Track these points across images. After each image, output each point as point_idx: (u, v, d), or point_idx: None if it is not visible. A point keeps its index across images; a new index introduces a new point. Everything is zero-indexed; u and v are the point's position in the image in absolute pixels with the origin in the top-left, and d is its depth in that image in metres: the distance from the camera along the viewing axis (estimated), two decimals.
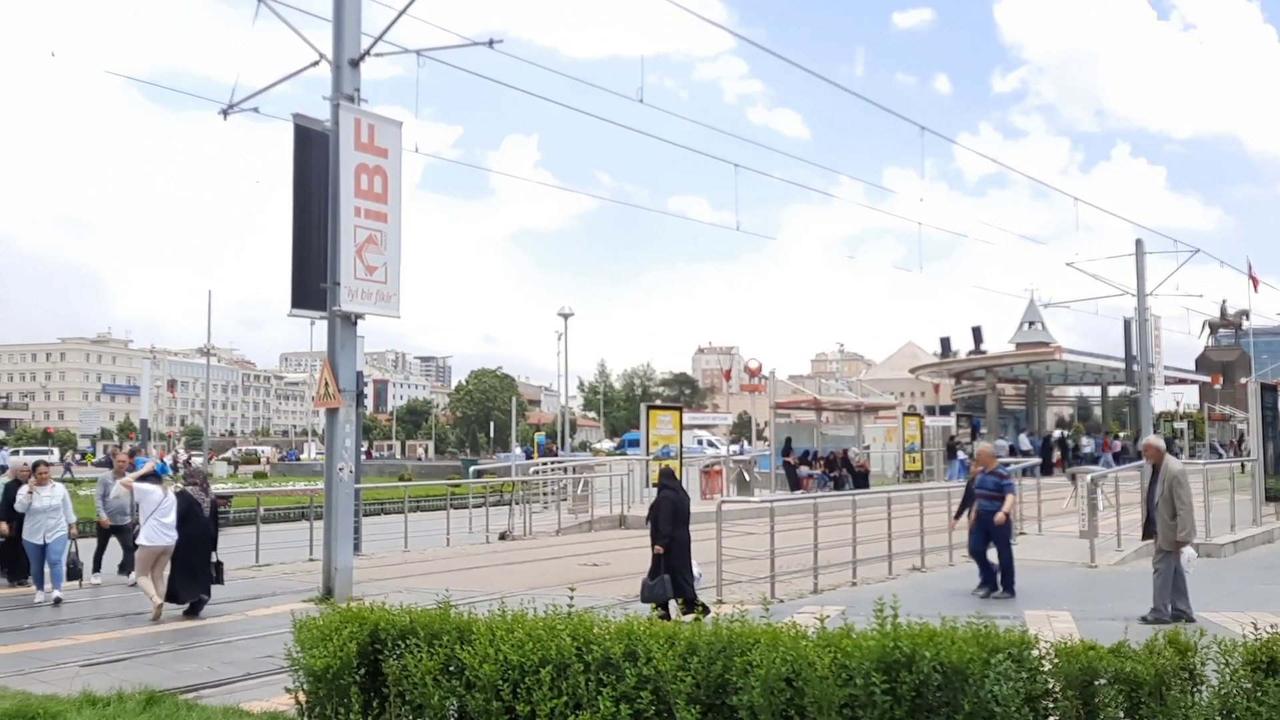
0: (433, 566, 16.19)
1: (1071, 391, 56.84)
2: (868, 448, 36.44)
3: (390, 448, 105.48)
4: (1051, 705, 4.42)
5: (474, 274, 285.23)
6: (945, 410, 44.94)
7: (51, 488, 13.05)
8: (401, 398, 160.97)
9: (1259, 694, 4.13)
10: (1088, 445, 40.08)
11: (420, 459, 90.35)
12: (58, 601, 12.47)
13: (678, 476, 13.08)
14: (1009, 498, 12.63)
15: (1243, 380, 64.91)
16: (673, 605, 10.25)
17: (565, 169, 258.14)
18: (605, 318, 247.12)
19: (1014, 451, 34.77)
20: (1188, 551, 10.76)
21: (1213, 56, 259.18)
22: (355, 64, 12.91)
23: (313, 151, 12.71)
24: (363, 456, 32.68)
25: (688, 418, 31.36)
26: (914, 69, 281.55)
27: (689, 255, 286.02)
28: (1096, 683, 4.35)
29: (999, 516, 12.35)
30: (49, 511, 12.73)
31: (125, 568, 14.16)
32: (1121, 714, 4.28)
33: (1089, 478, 15.95)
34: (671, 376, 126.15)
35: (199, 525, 12.05)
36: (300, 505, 25.60)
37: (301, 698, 5.76)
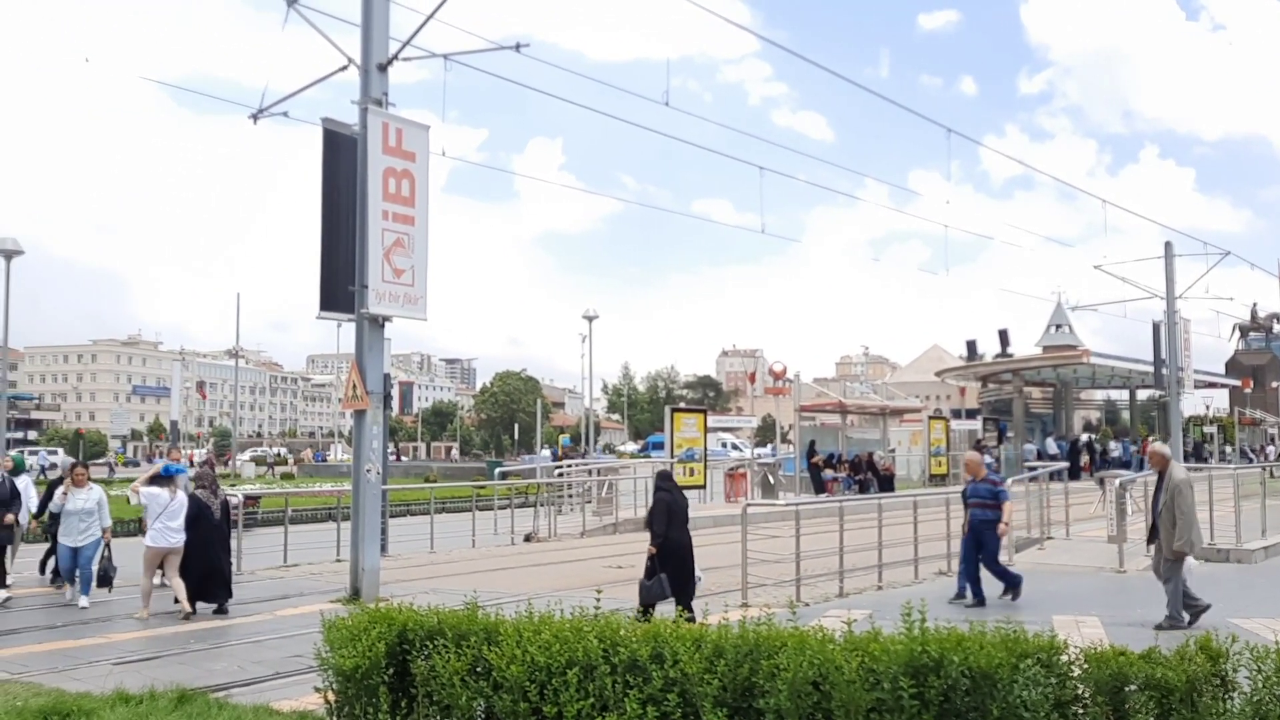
0: (459, 568, 16.26)
1: (1099, 395, 56.39)
2: (893, 451, 36.30)
3: (415, 449, 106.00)
4: (1081, 711, 4.38)
5: (498, 276, 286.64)
6: (971, 414, 44.71)
7: (88, 490, 12.77)
8: (427, 400, 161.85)
9: None
10: (1116, 449, 39.71)
11: (457, 460, 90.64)
12: (83, 608, 12.37)
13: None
14: (1007, 505, 12.49)
15: (1274, 384, 64.25)
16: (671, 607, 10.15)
17: (590, 172, 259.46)
18: (629, 320, 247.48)
19: (1041, 456, 34.51)
20: (1189, 561, 10.69)
21: (1242, 57, 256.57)
22: (383, 68, 13.00)
23: (341, 155, 12.81)
24: (390, 458, 32.90)
25: (712, 420, 31.31)
26: (939, 71, 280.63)
27: (713, 258, 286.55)
28: (1127, 689, 4.32)
29: (1001, 527, 12.31)
30: (82, 514, 12.52)
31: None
32: None
33: (1117, 482, 15.80)
34: (695, 379, 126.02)
35: (209, 528, 12.17)
36: (328, 506, 25.73)
37: (330, 697, 5.81)
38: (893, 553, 13.88)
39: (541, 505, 22.02)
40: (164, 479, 12.60)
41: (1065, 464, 25.32)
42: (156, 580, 12.21)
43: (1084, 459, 36.74)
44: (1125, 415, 54.10)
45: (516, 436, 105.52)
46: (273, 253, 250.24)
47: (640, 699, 4.83)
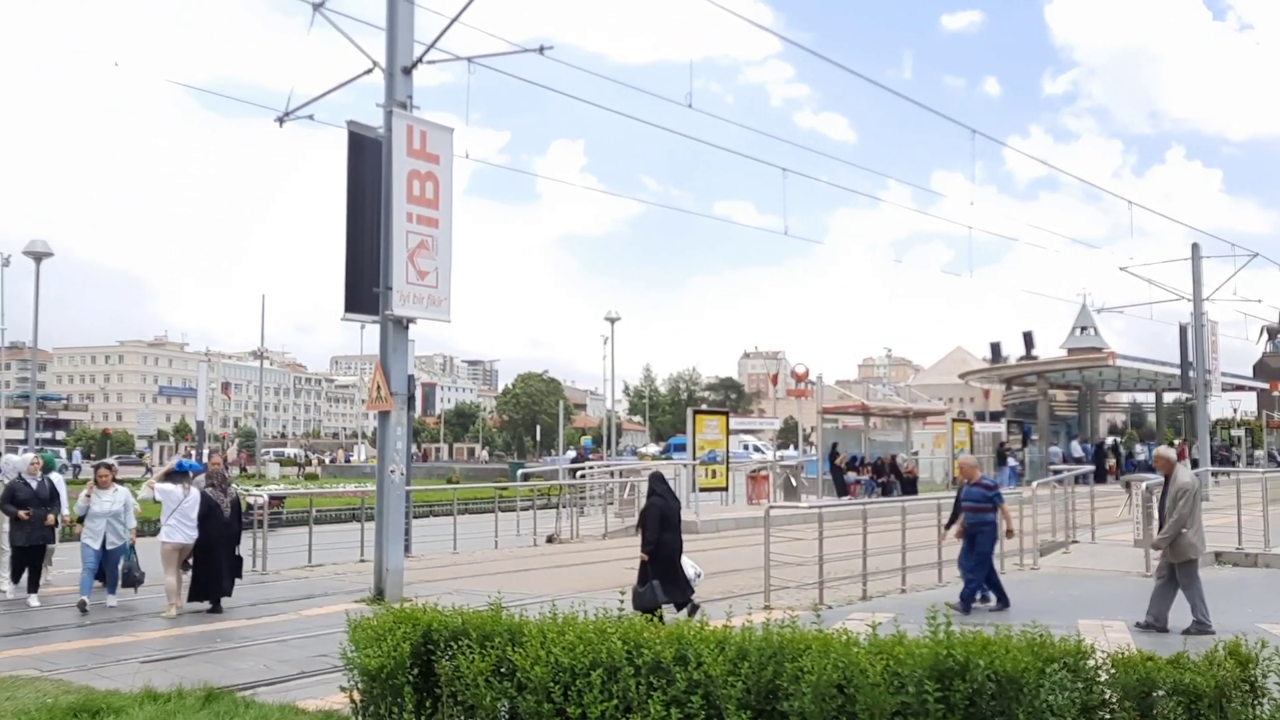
0: (482, 569, 16.32)
1: (1125, 398, 55.77)
2: (916, 454, 36.08)
3: (438, 450, 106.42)
4: (1108, 716, 4.35)
5: (521, 278, 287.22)
6: (995, 416, 44.33)
7: (114, 491, 12.60)
8: (449, 401, 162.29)
9: None
10: (1141, 452, 39.35)
11: (484, 461, 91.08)
12: (110, 607, 12.43)
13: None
14: (1005, 508, 12.51)
15: None
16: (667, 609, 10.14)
17: (611, 173, 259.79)
18: (651, 322, 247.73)
19: (1066, 459, 34.25)
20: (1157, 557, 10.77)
21: (1270, 57, 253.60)
22: (408, 71, 13.08)
23: (366, 158, 12.90)
24: (414, 458, 32.97)
25: (734, 422, 31.23)
26: (963, 71, 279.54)
27: (735, 260, 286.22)
28: (1155, 694, 4.29)
29: (1007, 531, 12.53)
30: (107, 516, 12.40)
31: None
32: None
33: (1144, 485, 15.66)
34: (717, 381, 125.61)
35: (219, 525, 12.28)
36: (351, 507, 25.89)
37: (356, 696, 5.84)
38: (916, 556, 13.82)
39: (563, 507, 22.06)
40: (178, 474, 12.74)
41: (1091, 467, 25.10)
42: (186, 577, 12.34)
43: (1109, 462, 36.45)
44: (1151, 418, 53.58)
45: (539, 438, 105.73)
46: (297, 255, 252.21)
47: (664, 701, 4.83)
